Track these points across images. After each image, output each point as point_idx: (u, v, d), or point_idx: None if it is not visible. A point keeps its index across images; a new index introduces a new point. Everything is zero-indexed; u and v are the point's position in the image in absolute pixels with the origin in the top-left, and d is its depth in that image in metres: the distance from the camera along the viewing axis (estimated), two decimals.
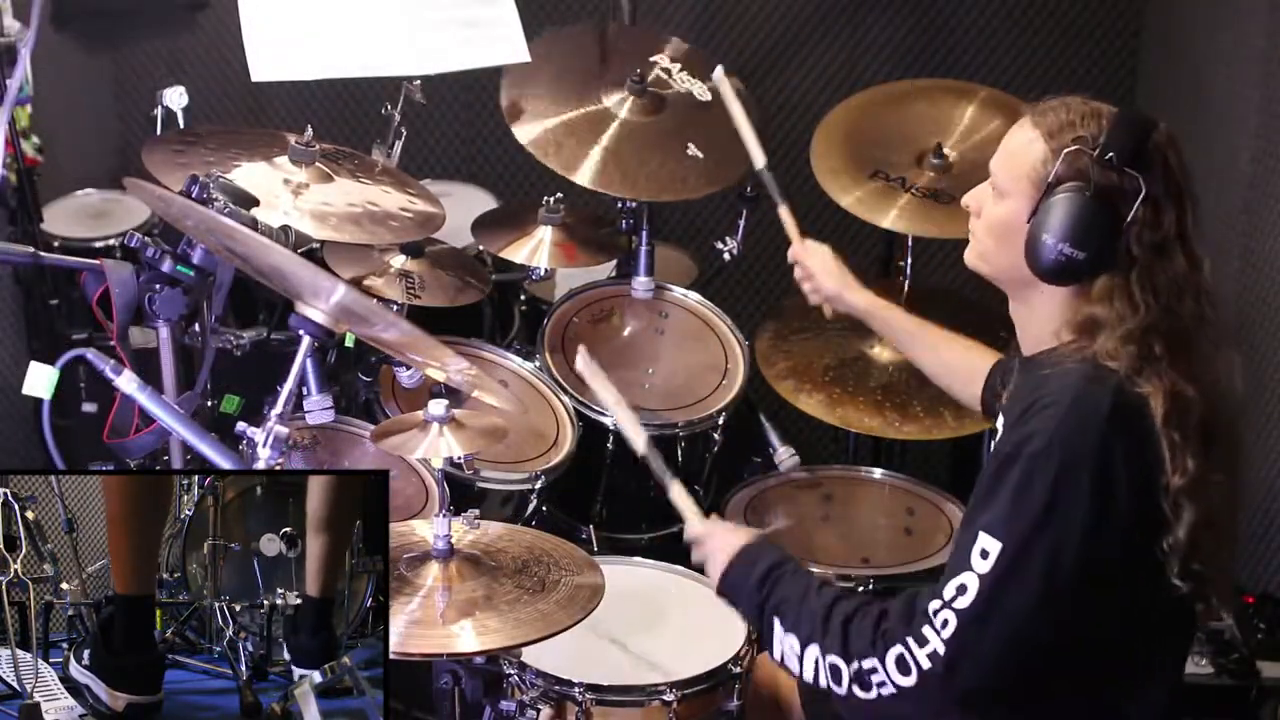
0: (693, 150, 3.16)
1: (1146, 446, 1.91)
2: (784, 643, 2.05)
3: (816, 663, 2.01)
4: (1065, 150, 1.94)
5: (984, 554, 1.91)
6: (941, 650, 1.92)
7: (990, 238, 2.05)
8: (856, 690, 1.97)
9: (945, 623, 1.92)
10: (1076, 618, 1.94)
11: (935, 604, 1.94)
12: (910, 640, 1.94)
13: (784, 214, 2.84)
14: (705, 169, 3.16)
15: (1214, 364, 1.98)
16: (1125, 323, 1.93)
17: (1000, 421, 2.08)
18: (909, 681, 1.94)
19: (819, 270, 2.70)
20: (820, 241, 2.77)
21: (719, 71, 3.03)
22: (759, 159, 2.91)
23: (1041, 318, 2.03)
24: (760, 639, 2.14)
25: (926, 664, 1.92)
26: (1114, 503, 1.90)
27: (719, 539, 2.21)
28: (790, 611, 2.06)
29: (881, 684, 1.95)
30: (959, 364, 2.52)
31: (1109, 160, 1.91)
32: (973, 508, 1.98)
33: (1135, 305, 1.93)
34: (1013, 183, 2.00)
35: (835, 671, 1.99)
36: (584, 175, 3.10)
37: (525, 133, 3.15)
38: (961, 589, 1.92)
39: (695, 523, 2.28)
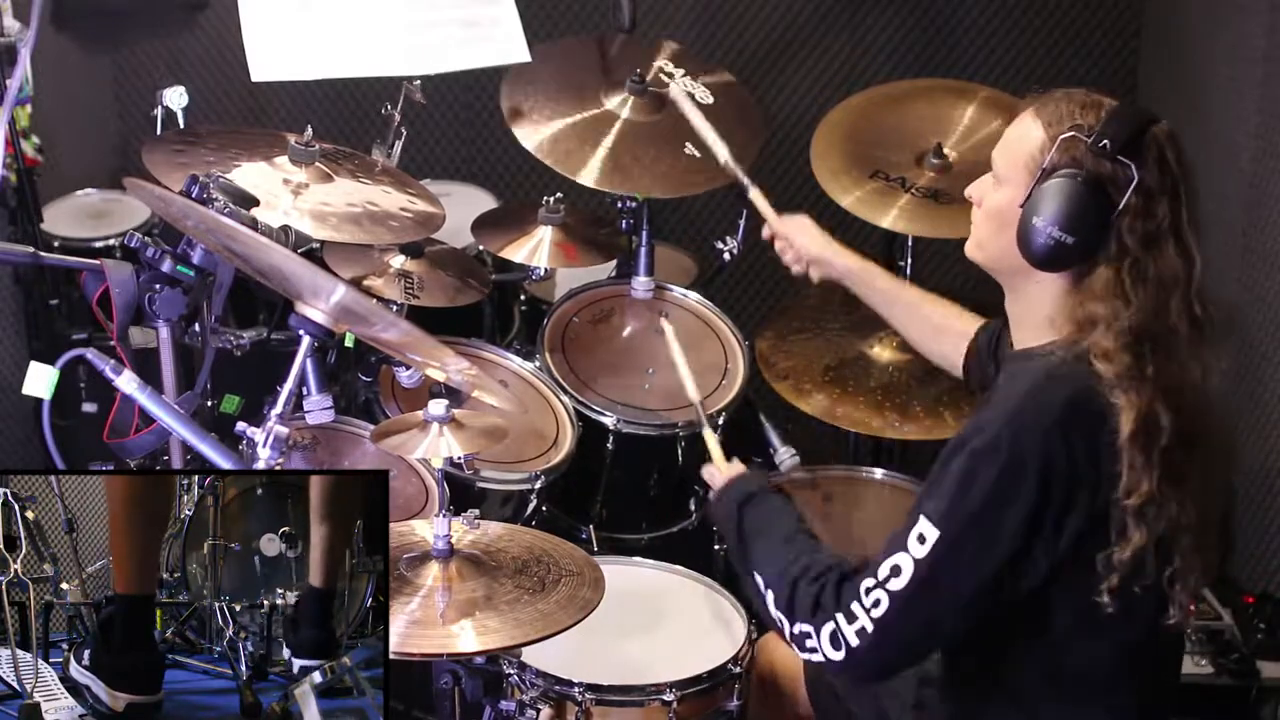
0: (690, 149, 3.16)
1: (1100, 455, 1.91)
2: (756, 572, 2.15)
3: (772, 608, 2.10)
4: (1061, 137, 1.96)
5: (921, 539, 1.96)
6: (870, 628, 1.97)
7: (987, 225, 2.08)
8: (795, 648, 2.07)
9: (877, 602, 1.97)
10: (999, 611, 1.98)
11: (869, 582, 1.99)
12: (841, 617, 2.00)
13: (755, 196, 2.88)
14: (702, 167, 3.16)
15: (1201, 367, 1.97)
16: (1117, 317, 1.93)
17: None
18: (838, 655, 2.00)
19: (799, 234, 2.72)
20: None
21: (674, 88, 3.13)
22: (721, 153, 2.96)
23: (1036, 310, 2.04)
24: (737, 558, 2.22)
25: (854, 640, 1.98)
26: (1055, 499, 1.91)
27: (728, 473, 2.37)
28: (764, 546, 2.17)
29: (813, 650, 2.03)
30: (938, 322, 2.54)
31: (1103, 148, 1.93)
32: (923, 490, 2.01)
33: (1125, 298, 1.94)
34: (1010, 170, 2.03)
35: (780, 623, 2.09)
36: (589, 176, 3.10)
37: (530, 139, 3.15)
38: (896, 570, 1.97)
39: (719, 464, 2.43)
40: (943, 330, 2.55)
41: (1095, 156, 1.94)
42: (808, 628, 2.03)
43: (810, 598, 2.04)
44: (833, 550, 2.14)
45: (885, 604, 1.96)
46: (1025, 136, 2.01)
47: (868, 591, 1.98)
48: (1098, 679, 2.03)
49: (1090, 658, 2.02)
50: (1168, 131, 1.97)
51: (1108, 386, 1.92)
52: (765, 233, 2.83)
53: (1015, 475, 1.90)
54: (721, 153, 2.96)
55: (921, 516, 1.96)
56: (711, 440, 2.53)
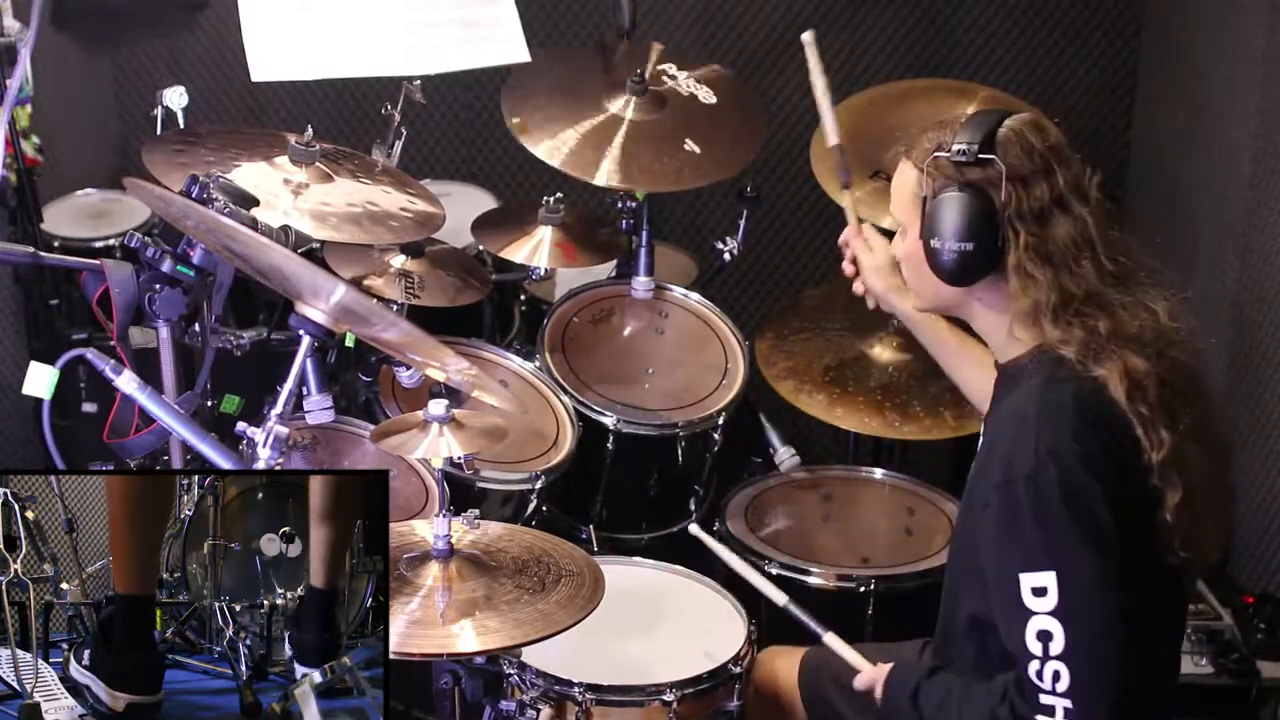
0: (690, 145, 3.16)
1: (1121, 431, 1.96)
2: None
3: None
4: (927, 164, 2.07)
5: (1040, 592, 1.93)
6: (1071, 705, 1.93)
7: (910, 271, 2.18)
8: None
9: (1057, 675, 1.93)
10: (1144, 596, 1.96)
11: (1034, 665, 1.95)
12: (1040, 716, 1.95)
13: (845, 199, 2.79)
14: (700, 164, 3.16)
15: (1146, 311, 2.03)
16: (1046, 299, 2.01)
17: (983, 429, 2.14)
18: None
19: (869, 266, 2.60)
20: (829, 241, 2.74)
21: (809, 36, 2.98)
22: (832, 136, 2.87)
23: (992, 326, 2.13)
24: None
25: None
26: (1113, 488, 1.94)
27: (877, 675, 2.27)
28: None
29: None
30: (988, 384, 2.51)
31: (963, 156, 2.03)
32: (997, 557, 1.99)
33: (1039, 278, 2.01)
34: (904, 215, 2.15)
35: None
36: (602, 177, 3.09)
37: (550, 154, 3.13)
38: (1045, 635, 1.93)
39: (865, 671, 2.29)
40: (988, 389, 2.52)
41: (961, 167, 2.04)
42: None
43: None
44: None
45: (1066, 672, 1.93)
46: (904, 179, 2.14)
47: (1041, 675, 1.94)
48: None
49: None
50: (1024, 120, 2.07)
51: (1085, 366, 1.98)
52: (841, 238, 2.69)
53: (1072, 479, 1.93)
54: (832, 136, 2.87)
55: (1022, 575, 1.94)
56: (838, 643, 2.37)
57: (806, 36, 2.94)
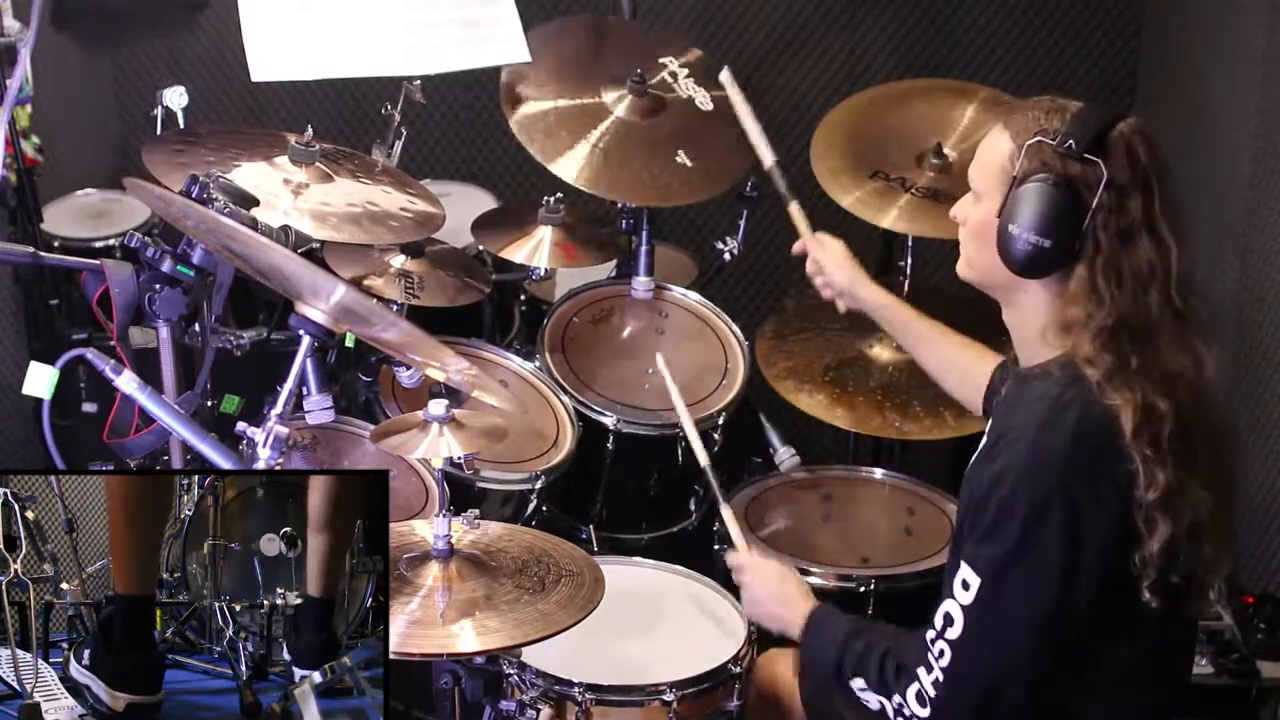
0: (681, 158, 3.16)
1: (1117, 465, 1.94)
2: (859, 688, 2.16)
3: (874, 699, 2.13)
4: (1027, 144, 1.99)
5: (965, 585, 2.00)
6: (942, 678, 2.02)
7: (972, 242, 2.11)
8: None
9: (941, 652, 2.02)
10: (1062, 632, 1.99)
11: (930, 634, 2.04)
12: (920, 672, 2.04)
13: (794, 210, 2.84)
14: (691, 178, 3.15)
15: (1191, 357, 2.00)
16: (1093, 317, 1.96)
17: (987, 427, 2.13)
18: (925, 712, 2.05)
19: (830, 264, 2.69)
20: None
21: (726, 74, 3.03)
22: (767, 157, 2.92)
23: (1029, 321, 2.06)
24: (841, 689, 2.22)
25: (933, 692, 2.03)
26: (1086, 526, 1.94)
27: (760, 575, 2.41)
28: (852, 658, 2.17)
29: (912, 717, 2.06)
30: (962, 366, 2.52)
31: (1069, 149, 1.96)
32: (957, 534, 2.08)
33: (1101, 296, 1.96)
34: (985, 184, 2.06)
35: (882, 709, 2.11)
36: (566, 169, 3.08)
37: (517, 117, 3.13)
38: (949, 619, 2.02)
39: (741, 550, 2.48)
40: (967, 374, 2.51)
41: (1063, 159, 1.96)
42: (899, 698, 2.07)
43: (893, 669, 2.09)
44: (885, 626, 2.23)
45: (949, 653, 2.01)
46: (995, 149, 2.04)
47: (932, 643, 2.03)
48: (1124, 679, 2.06)
49: (1122, 658, 2.05)
50: (1135, 126, 2.00)
51: (1102, 391, 1.94)
52: (796, 248, 2.77)
53: (1041, 514, 1.94)
54: (767, 157, 2.93)
55: (963, 563, 2.01)
56: (730, 518, 2.54)
57: (724, 75, 3.04)
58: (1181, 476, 1.93)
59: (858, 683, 2.15)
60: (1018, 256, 1.99)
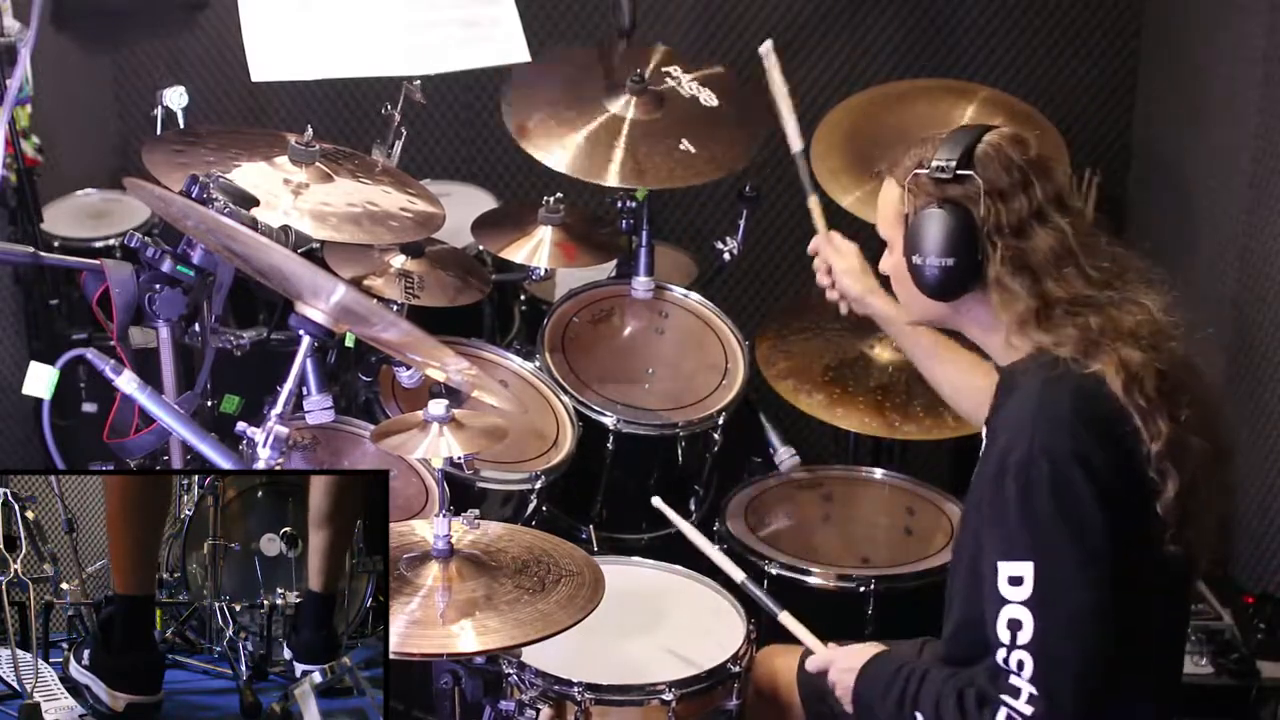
0: (685, 145, 3.16)
1: (1119, 423, 1.98)
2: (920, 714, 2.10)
3: None
4: (908, 181, 2.09)
5: (1016, 581, 1.97)
6: (1036, 690, 1.96)
7: (899, 287, 2.21)
8: None
9: (1021, 664, 1.97)
10: (1122, 596, 1.97)
11: (1002, 653, 1.98)
12: (1006, 697, 1.98)
13: (813, 204, 2.81)
14: (694, 163, 3.16)
15: (1138, 307, 2.05)
16: (1032, 308, 2.04)
17: (984, 434, 2.15)
18: None
19: (842, 270, 2.63)
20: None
21: (767, 46, 2.96)
22: (795, 143, 2.88)
23: (986, 336, 2.16)
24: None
25: (1029, 709, 1.96)
26: (1108, 484, 1.95)
27: (843, 662, 2.28)
28: (925, 703, 2.09)
29: None
30: (966, 382, 2.51)
31: (941, 172, 2.06)
32: (977, 541, 2.03)
33: (1013, 290, 2.04)
34: (890, 231, 2.18)
35: None
36: (614, 178, 3.10)
37: (556, 160, 3.13)
38: (1015, 625, 1.97)
39: (819, 650, 2.34)
40: (965, 389, 2.51)
41: (940, 183, 2.07)
42: None
43: (974, 699, 2.02)
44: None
45: (1030, 661, 1.96)
46: (888, 198, 2.17)
47: (1007, 661, 1.98)
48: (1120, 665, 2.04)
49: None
50: (1002, 134, 2.10)
51: (1081, 364, 2.00)
52: (811, 247, 2.72)
53: (1063, 472, 1.95)
54: (795, 142, 2.88)
55: (1000, 563, 1.98)
56: (792, 622, 2.40)
57: (765, 48, 2.94)
58: (1178, 426, 1.98)
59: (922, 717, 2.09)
60: (931, 282, 2.09)
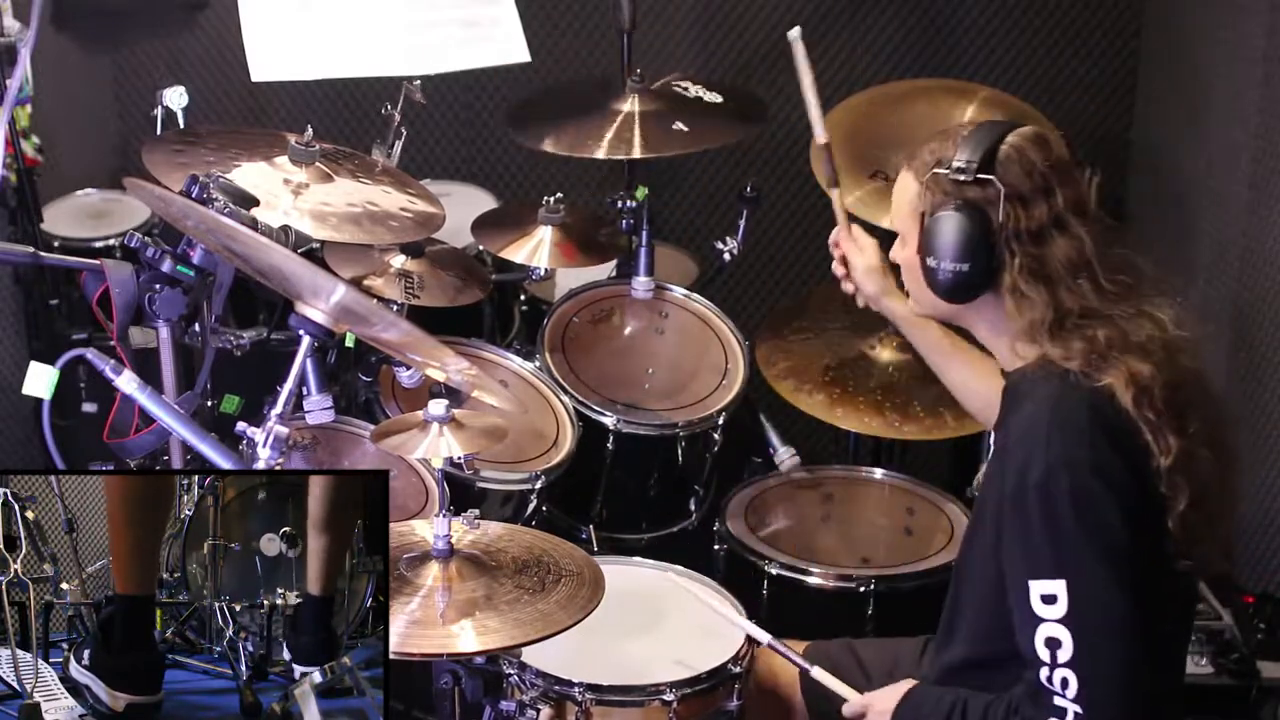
0: (678, 125, 3.16)
1: (1130, 436, 1.96)
2: None
3: None
4: (926, 179, 2.06)
5: (1049, 599, 1.94)
6: (1081, 709, 1.94)
7: (910, 281, 2.18)
8: None
9: (1065, 681, 1.94)
10: (1154, 601, 1.96)
11: (1044, 671, 1.96)
12: (1052, 718, 1.95)
13: (835, 196, 2.74)
14: (686, 139, 3.18)
15: (1150, 321, 2.03)
16: (1042, 318, 2.01)
17: (991, 439, 2.12)
18: None
19: (860, 268, 2.57)
20: (824, 240, 2.73)
21: (795, 32, 2.87)
22: (820, 135, 2.81)
23: (994, 339, 2.14)
24: None
25: None
26: (1126, 496, 1.94)
27: (879, 704, 2.23)
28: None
29: None
30: (978, 381, 2.49)
31: (963, 173, 2.02)
32: (997, 558, 2.01)
33: (1029, 298, 2.02)
34: (904, 225, 2.14)
35: None
36: (602, 151, 3.13)
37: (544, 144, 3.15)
38: (1053, 643, 1.94)
39: (852, 699, 2.29)
40: (980, 393, 2.48)
41: (959, 184, 2.03)
42: None
43: None
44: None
45: (1074, 679, 1.94)
46: (904, 191, 2.13)
47: (1050, 680, 1.95)
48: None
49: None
50: (1025, 135, 2.05)
51: (1090, 378, 1.97)
52: (831, 239, 2.66)
53: (1084, 487, 1.93)
54: (820, 134, 2.81)
55: (1031, 582, 1.95)
56: (824, 675, 2.35)
57: (794, 33, 2.88)
58: (1186, 440, 1.96)
59: None
60: (944, 286, 2.07)
